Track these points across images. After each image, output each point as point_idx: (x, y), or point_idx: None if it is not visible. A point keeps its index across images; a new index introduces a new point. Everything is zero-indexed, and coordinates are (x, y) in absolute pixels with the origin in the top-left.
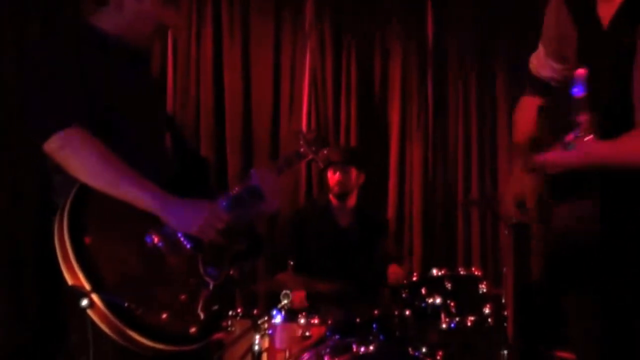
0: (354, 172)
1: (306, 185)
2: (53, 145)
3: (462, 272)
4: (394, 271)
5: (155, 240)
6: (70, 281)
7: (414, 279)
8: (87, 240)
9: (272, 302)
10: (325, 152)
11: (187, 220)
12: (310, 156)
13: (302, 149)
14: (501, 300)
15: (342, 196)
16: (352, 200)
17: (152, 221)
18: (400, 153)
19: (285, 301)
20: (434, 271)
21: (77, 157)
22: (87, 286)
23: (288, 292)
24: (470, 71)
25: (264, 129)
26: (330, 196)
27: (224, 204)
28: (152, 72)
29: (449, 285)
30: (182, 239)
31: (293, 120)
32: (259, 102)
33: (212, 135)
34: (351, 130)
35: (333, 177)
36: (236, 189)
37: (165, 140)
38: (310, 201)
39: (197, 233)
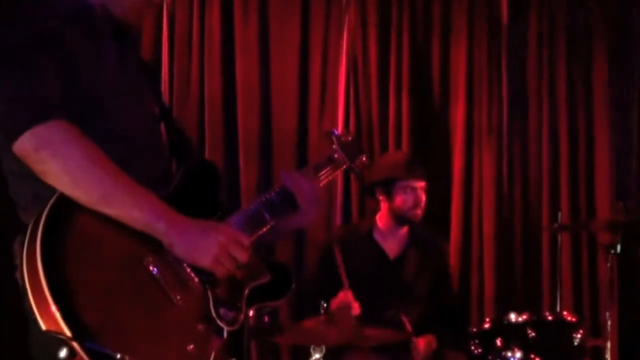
0: (426, 189)
1: (343, 207)
2: (27, 145)
3: (549, 317)
4: (425, 344)
5: (155, 271)
6: (44, 325)
7: (486, 326)
8: (68, 272)
9: (300, 356)
10: (363, 159)
11: (198, 249)
12: (346, 164)
13: (336, 155)
14: (603, 353)
15: (413, 221)
16: (406, 226)
17: (151, 246)
18: (466, 164)
19: (317, 355)
20: (513, 316)
21: (59, 161)
22: (68, 332)
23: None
24: (557, 56)
25: (287, 130)
26: (378, 220)
27: (240, 225)
28: (141, 55)
29: (532, 334)
30: (188, 269)
31: (325, 120)
32: (281, 96)
33: (221, 138)
34: (402, 135)
35: (407, 198)
36: (253, 205)
37: (161, 139)
38: (349, 227)
39: (210, 266)
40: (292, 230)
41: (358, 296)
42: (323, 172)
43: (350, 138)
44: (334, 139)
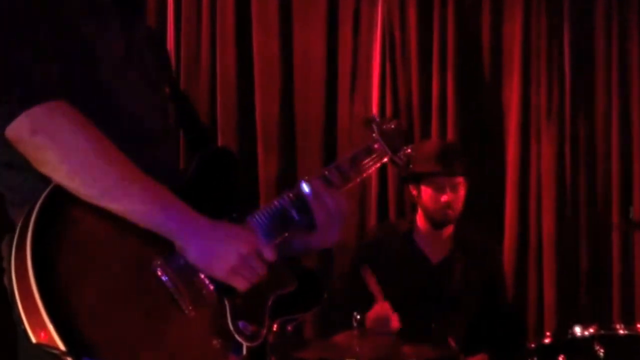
0: (463, 185)
1: (377, 202)
2: (21, 129)
3: (621, 331)
4: None
5: (164, 277)
6: (35, 338)
7: (547, 341)
8: (63, 277)
9: None
10: (408, 151)
11: (215, 258)
12: (388, 156)
13: (376, 145)
14: None
15: (445, 224)
16: (449, 227)
17: (160, 248)
18: (521, 153)
19: None
20: (578, 330)
21: (58, 147)
22: (62, 346)
23: None
24: (629, 24)
25: (312, 115)
26: (418, 219)
27: (263, 226)
28: (148, 25)
29: (601, 351)
30: (202, 276)
31: (357, 103)
32: (306, 74)
33: (235, 124)
34: (447, 120)
35: (434, 197)
36: (277, 201)
37: (170, 122)
38: (385, 226)
39: (227, 279)
40: (306, 251)
41: (395, 307)
42: (364, 163)
43: (392, 126)
44: (374, 126)
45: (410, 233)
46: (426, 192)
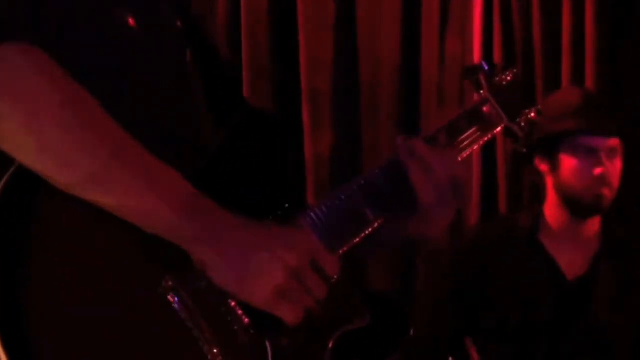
0: (619, 153)
1: (482, 191)
2: None
3: None
4: None
5: (178, 305)
6: None
7: None
8: (32, 306)
9: None
10: (532, 115)
11: (251, 276)
12: (503, 124)
13: (484, 108)
14: None
15: (596, 211)
16: (595, 221)
17: (171, 261)
18: None
19: None
20: None
21: (20, 110)
22: None
23: None
24: None
25: (384, 60)
26: (547, 211)
27: (322, 228)
28: None
29: None
30: (233, 303)
31: (451, 42)
32: (373, 5)
33: (270, 81)
34: (585, 68)
35: (582, 168)
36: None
37: (189, 75)
38: (498, 224)
39: (269, 306)
40: (401, 241)
41: (511, 344)
42: (463, 137)
43: (509, 78)
44: (482, 79)
45: (534, 232)
46: (568, 163)
